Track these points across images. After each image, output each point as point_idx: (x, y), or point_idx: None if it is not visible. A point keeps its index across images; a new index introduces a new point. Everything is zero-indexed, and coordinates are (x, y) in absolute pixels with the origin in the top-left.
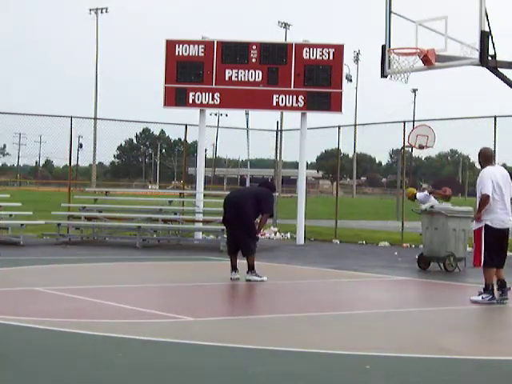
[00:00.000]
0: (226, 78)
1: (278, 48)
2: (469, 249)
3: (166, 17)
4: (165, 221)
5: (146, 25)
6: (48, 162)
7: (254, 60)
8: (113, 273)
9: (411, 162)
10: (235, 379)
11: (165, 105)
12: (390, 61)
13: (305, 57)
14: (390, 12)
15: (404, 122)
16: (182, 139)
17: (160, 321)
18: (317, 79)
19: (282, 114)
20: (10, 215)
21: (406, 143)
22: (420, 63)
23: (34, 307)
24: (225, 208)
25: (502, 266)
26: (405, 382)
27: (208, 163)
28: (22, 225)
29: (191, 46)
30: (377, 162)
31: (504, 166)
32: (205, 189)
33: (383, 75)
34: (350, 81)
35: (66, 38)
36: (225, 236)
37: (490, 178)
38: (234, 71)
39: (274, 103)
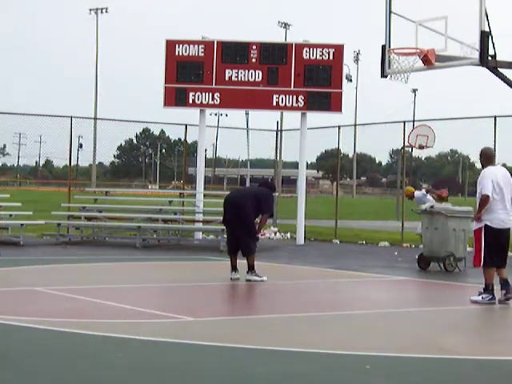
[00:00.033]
0: (226, 78)
1: (278, 48)
2: (469, 249)
3: (166, 17)
4: (165, 221)
5: (146, 25)
6: (48, 162)
7: (253, 60)
8: (113, 273)
9: (411, 161)
10: (235, 379)
11: (165, 105)
12: (389, 61)
13: (305, 57)
14: (390, 12)
15: (404, 122)
16: (182, 139)
17: (160, 321)
18: (317, 79)
19: (282, 114)
20: (10, 215)
21: (406, 143)
22: (420, 63)
23: (34, 307)
24: (225, 208)
25: (504, 266)
26: (405, 382)
27: (208, 163)
28: (22, 225)
29: (191, 45)
30: (377, 161)
31: (504, 165)
32: (205, 189)
33: (383, 75)
34: (350, 81)
35: (66, 38)
36: (225, 236)
37: (490, 179)
38: (233, 71)
39: (274, 103)
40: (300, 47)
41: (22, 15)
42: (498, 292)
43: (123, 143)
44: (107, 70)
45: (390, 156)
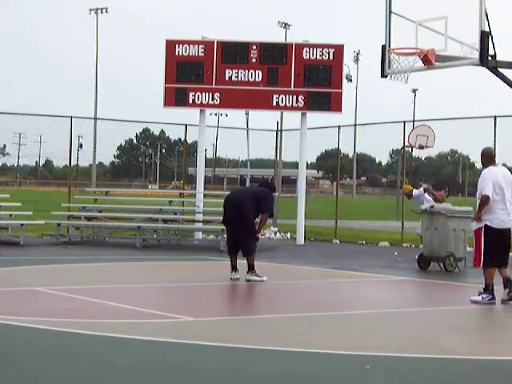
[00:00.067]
0: (226, 78)
1: (278, 48)
2: (469, 249)
3: (166, 17)
4: (165, 221)
5: (146, 25)
6: (48, 162)
7: (253, 60)
8: (113, 273)
9: (411, 161)
10: (235, 379)
11: (165, 105)
12: (390, 61)
13: (305, 57)
14: (390, 12)
15: (404, 122)
16: (182, 139)
17: (160, 321)
18: (317, 79)
19: (282, 114)
20: (10, 215)
21: (406, 143)
22: (420, 63)
23: (34, 307)
24: (225, 208)
25: (506, 266)
26: (405, 382)
27: (208, 163)
28: (22, 225)
29: (191, 45)
30: (377, 162)
31: (504, 165)
32: (205, 189)
33: (383, 75)
34: (350, 81)
35: (66, 38)
36: (225, 236)
37: (490, 179)
38: (233, 71)
39: (274, 103)
40: (300, 47)
41: (22, 15)
42: (499, 292)
43: (123, 143)
44: (107, 69)
45: (390, 156)
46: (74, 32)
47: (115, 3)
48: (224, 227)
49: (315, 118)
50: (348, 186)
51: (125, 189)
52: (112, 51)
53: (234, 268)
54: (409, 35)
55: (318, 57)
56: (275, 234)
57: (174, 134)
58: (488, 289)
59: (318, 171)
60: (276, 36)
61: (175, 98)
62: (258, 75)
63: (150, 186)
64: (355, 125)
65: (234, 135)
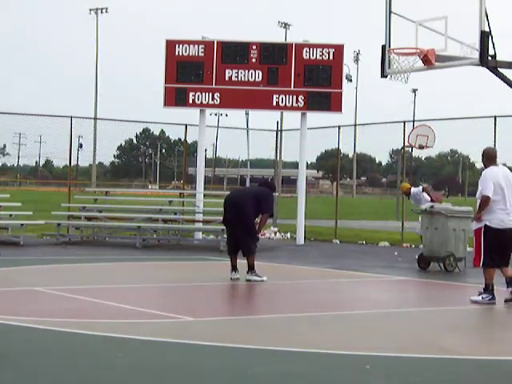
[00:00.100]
0: (226, 78)
1: (278, 48)
2: (469, 249)
3: (166, 17)
4: (165, 221)
5: (146, 25)
6: (48, 162)
7: (253, 60)
8: (113, 273)
9: (411, 161)
10: (235, 379)
11: (165, 105)
12: (390, 61)
13: (305, 57)
14: (390, 12)
15: (404, 122)
16: (182, 139)
17: (160, 321)
18: (317, 79)
19: (282, 114)
20: (10, 215)
21: (406, 143)
22: (420, 63)
23: (34, 307)
24: (225, 208)
25: (507, 265)
26: (405, 382)
27: (208, 163)
28: (22, 225)
29: (191, 45)
30: (377, 162)
31: (504, 165)
32: (205, 189)
33: (383, 75)
34: (350, 81)
35: (66, 38)
36: (225, 236)
37: (491, 179)
38: (233, 71)
39: (274, 103)
40: (300, 47)
41: (22, 15)
42: (499, 292)
43: (123, 143)
44: (107, 69)
45: (390, 156)
46: (74, 32)
47: (115, 3)
48: (224, 227)
49: (315, 118)
50: (348, 186)
51: (125, 189)
52: (112, 51)
53: (234, 268)
54: (409, 35)
55: (318, 57)
56: (275, 233)
57: (174, 133)
58: (488, 289)
59: (317, 171)
60: (276, 36)
61: (175, 98)
62: (258, 75)
63: (149, 186)
64: (355, 125)
65: (234, 135)
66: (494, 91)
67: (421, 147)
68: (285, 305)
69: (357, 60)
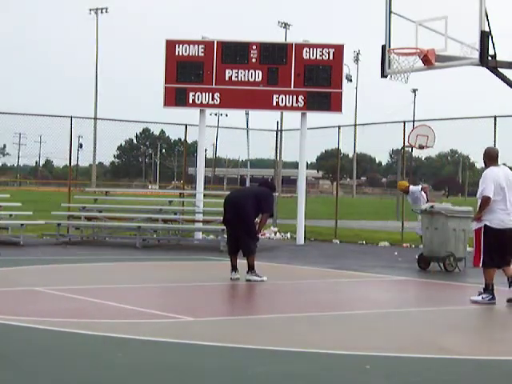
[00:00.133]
0: (226, 78)
1: (278, 48)
2: (469, 249)
3: (166, 17)
4: (165, 221)
5: (146, 25)
6: (48, 162)
7: (253, 60)
8: (113, 273)
9: (411, 161)
10: (235, 379)
11: (165, 105)
12: (390, 61)
13: (305, 57)
14: (390, 12)
15: (404, 122)
16: (182, 139)
17: (160, 321)
18: (317, 79)
19: (281, 114)
20: (10, 215)
21: (406, 143)
22: (420, 63)
23: (34, 307)
24: (225, 208)
25: (509, 265)
26: (405, 382)
27: (208, 163)
28: (22, 225)
29: (191, 45)
30: (377, 162)
31: (504, 165)
32: (205, 189)
33: (383, 75)
34: (350, 81)
35: (66, 38)
36: (225, 236)
37: (492, 179)
38: (233, 71)
39: (274, 103)
40: (300, 47)
41: (22, 15)
42: (499, 292)
43: (123, 143)
44: (107, 69)
45: (390, 156)
46: (74, 32)
47: (115, 3)
48: (224, 227)
49: (315, 118)
50: (348, 186)
51: (125, 189)
52: (112, 51)
53: (234, 268)
54: (409, 35)
55: (318, 57)
56: (275, 233)
57: (174, 134)
58: (488, 289)
59: (317, 171)
60: (276, 36)
61: (175, 98)
62: (258, 75)
63: (150, 186)
64: (355, 125)
65: (234, 135)
66: (494, 91)
67: (421, 147)
68: (285, 305)
69: (357, 60)
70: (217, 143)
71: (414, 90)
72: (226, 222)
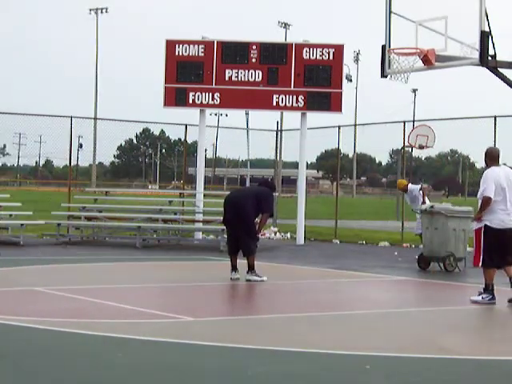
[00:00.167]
0: (226, 78)
1: (278, 48)
2: (469, 249)
3: (166, 17)
4: (165, 221)
5: (146, 25)
6: (48, 162)
7: (253, 60)
8: (113, 273)
9: (411, 161)
10: (235, 379)
11: (165, 105)
12: (390, 61)
13: (305, 57)
14: (390, 12)
15: (404, 122)
16: (182, 139)
17: (160, 321)
18: (317, 79)
19: (282, 114)
20: (10, 215)
21: (406, 143)
22: (420, 63)
23: (34, 307)
24: (225, 208)
25: (510, 265)
26: (405, 382)
27: (208, 163)
28: (22, 225)
29: (191, 45)
30: (377, 162)
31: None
32: (205, 189)
33: (383, 75)
34: (350, 81)
35: (66, 38)
36: (225, 236)
37: (493, 179)
38: (233, 71)
39: (274, 103)
40: (300, 47)
41: (22, 15)
42: (499, 292)
43: (123, 143)
44: (107, 69)
45: (390, 156)
46: (74, 32)
47: (115, 3)
48: (224, 227)
49: (315, 118)
50: (348, 186)
51: (125, 189)
52: (112, 51)
53: (234, 268)
54: (409, 35)
55: (318, 57)
56: (275, 233)
57: (174, 134)
58: (488, 289)
59: (318, 171)
60: (276, 36)
61: (175, 98)
62: (258, 75)
63: (150, 186)
64: (355, 125)
65: (234, 135)
66: (494, 91)
67: (421, 147)
68: (285, 305)
69: (357, 60)
70: (217, 143)
71: (414, 90)
72: (226, 221)
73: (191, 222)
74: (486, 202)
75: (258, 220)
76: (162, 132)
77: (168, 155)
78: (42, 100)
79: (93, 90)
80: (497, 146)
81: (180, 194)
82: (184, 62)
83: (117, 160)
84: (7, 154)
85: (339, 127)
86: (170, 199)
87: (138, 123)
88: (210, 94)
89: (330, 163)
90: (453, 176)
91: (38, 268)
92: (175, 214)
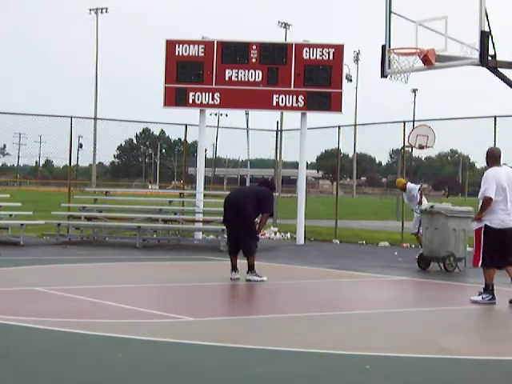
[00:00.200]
0: (226, 78)
1: (278, 48)
2: (469, 249)
3: (166, 17)
4: (165, 221)
5: (146, 25)
6: (48, 162)
7: (253, 60)
8: (113, 273)
9: (411, 161)
10: (235, 379)
11: (165, 105)
12: (390, 61)
13: (305, 57)
14: (390, 12)
15: (404, 122)
16: (182, 139)
17: (160, 321)
18: (317, 79)
19: (281, 114)
20: (10, 215)
21: (406, 143)
22: (420, 63)
23: (34, 307)
24: (225, 208)
25: (510, 265)
26: (405, 382)
27: (208, 163)
28: (22, 225)
29: (191, 45)
30: (377, 162)
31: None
32: (205, 189)
33: (383, 75)
34: (350, 81)
35: (66, 38)
36: (225, 236)
37: (493, 180)
38: (233, 71)
39: (274, 103)
40: (300, 47)
41: (22, 15)
42: (499, 292)
43: (123, 143)
44: (107, 69)
45: (390, 156)
46: (74, 32)
47: (115, 3)
48: (224, 227)
49: (315, 118)
50: (348, 186)
51: (125, 189)
52: (112, 51)
53: (234, 268)
54: (409, 35)
55: (318, 57)
56: (275, 233)
57: (174, 134)
58: (488, 289)
59: (318, 171)
60: (276, 36)
61: (175, 98)
62: (258, 75)
63: (149, 186)
64: (355, 125)
65: (234, 135)
66: (494, 91)
67: (421, 147)
68: (285, 305)
69: (357, 60)
70: (217, 143)
71: (414, 90)
72: (226, 221)
73: (191, 222)
74: (487, 202)
75: (258, 220)
76: (162, 132)
77: (168, 155)
78: (41, 100)
79: (93, 90)
80: (497, 146)
81: (180, 194)
82: (184, 62)
83: (117, 160)
84: (7, 154)
85: (339, 127)
86: (169, 199)
87: (138, 123)
88: (210, 94)
89: (330, 163)
90: (453, 176)
91: (38, 268)
92: (175, 213)
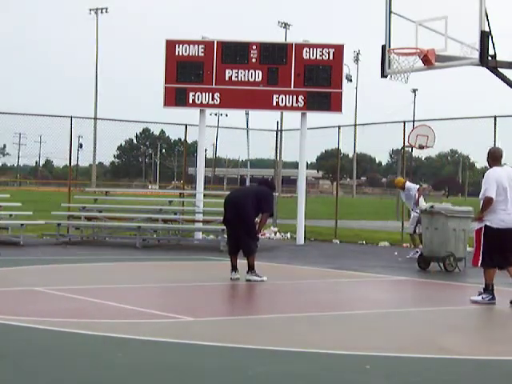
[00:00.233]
0: (226, 78)
1: (278, 48)
2: (469, 249)
3: (166, 17)
4: (165, 221)
5: (146, 25)
6: (48, 162)
7: (253, 60)
8: (113, 273)
9: (411, 161)
10: (235, 379)
11: (165, 105)
12: (390, 61)
13: (305, 57)
14: (390, 12)
15: (404, 122)
16: (182, 139)
17: (160, 321)
18: (317, 79)
19: (281, 114)
20: (10, 215)
21: (406, 143)
22: (420, 63)
23: (34, 307)
24: (225, 208)
25: (511, 265)
26: (405, 382)
27: (208, 163)
28: (22, 225)
29: (191, 45)
30: (377, 162)
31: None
32: (205, 189)
33: (383, 75)
34: (350, 81)
35: (66, 38)
36: (225, 236)
37: (495, 180)
38: (233, 71)
39: (274, 103)
40: (300, 47)
41: (22, 15)
42: (499, 292)
43: (123, 143)
44: (107, 69)
45: (390, 156)
46: (74, 32)
47: (115, 3)
48: (224, 227)
49: (315, 118)
50: (348, 186)
51: (125, 189)
52: (112, 51)
53: (234, 268)
54: (409, 35)
55: (318, 57)
56: (275, 233)
57: (174, 134)
58: (488, 289)
59: (318, 171)
60: (276, 36)
61: (175, 98)
62: (258, 75)
63: (149, 186)
64: (355, 125)
65: (234, 135)
66: (494, 91)
67: (421, 147)
68: (285, 305)
69: (357, 60)
70: (217, 143)
71: (414, 90)
72: (226, 221)
73: (191, 222)
74: (488, 202)
75: (258, 220)
76: (162, 132)
77: (168, 155)
78: (42, 100)
79: (93, 90)
80: (497, 146)
81: (180, 194)
82: (184, 62)
83: (117, 160)
84: (7, 154)
85: (339, 127)
86: (169, 199)
87: (138, 123)
88: (210, 94)
89: (330, 163)
90: (453, 176)
91: (38, 268)
92: (175, 214)
